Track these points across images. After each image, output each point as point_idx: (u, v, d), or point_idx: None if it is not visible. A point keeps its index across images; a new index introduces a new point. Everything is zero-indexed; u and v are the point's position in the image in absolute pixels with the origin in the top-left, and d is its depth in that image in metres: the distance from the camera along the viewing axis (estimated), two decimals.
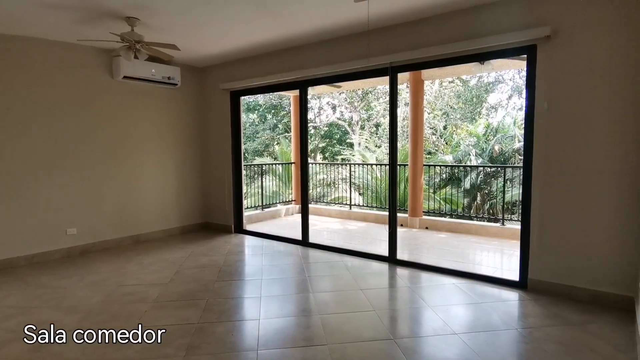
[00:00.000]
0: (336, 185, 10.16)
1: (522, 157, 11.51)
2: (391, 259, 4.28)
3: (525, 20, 3.26)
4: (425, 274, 3.91)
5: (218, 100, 5.84)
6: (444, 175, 10.52)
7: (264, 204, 7.36)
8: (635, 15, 2.83)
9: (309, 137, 5.25)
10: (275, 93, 15.11)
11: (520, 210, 5.41)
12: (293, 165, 7.99)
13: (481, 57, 3.64)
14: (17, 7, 3.38)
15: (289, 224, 6.87)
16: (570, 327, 2.70)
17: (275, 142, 15.86)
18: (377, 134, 15.72)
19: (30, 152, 4.29)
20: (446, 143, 15.16)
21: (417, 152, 6.30)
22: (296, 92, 7.55)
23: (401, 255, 4.41)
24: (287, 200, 8.07)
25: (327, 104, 17.08)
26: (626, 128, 2.91)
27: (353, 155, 14.66)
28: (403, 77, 6.33)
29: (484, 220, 6.61)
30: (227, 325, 2.80)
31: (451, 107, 14.29)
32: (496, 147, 12.14)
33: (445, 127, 15.26)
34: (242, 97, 5.80)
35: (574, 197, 3.14)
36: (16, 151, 4.19)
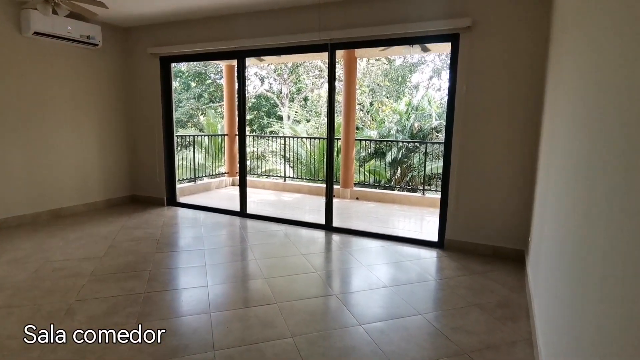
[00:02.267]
0: (266, 158, 10.23)
1: (438, 135, 12.64)
2: (327, 226, 4.59)
3: (450, 10, 3.62)
4: (357, 239, 4.28)
5: (146, 65, 5.48)
6: (370, 150, 11.23)
7: (196, 176, 7.19)
8: (533, 15, 3.32)
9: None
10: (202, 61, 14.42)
11: (440, 182, 6.07)
12: (226, 137, 7.85)
13: (411, 41, 3.97)
14: None
15: (223, 196, 6.84)
16: (476, 276, 3.24)
17: (200, 113, 15.22)
18: (306, 107, 15.90)
19: None
20: (372, 119, 15.94)
21: (350, 127, 6.63)
22: (231, 62, 7.38)
23: (336, 223, 4.74)
24: (218, 173, 7.95)
25: (254, 75, 16.73)
26: (520, 115, 3.46)
27: (282, 128, 14.74)
28: (338, 54, 6.53)
29: (405, 191, 7.27)
30: (175, 293, 2.86)
31: (378, 85, 14.94)
32: (416, 125, 13.12)
33: (371, 104, 15.98)
34: (174, 64, 5.53)
35: (482, 171, 3.68)
36: None
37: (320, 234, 4.46)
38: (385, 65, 14.88)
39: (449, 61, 3.78)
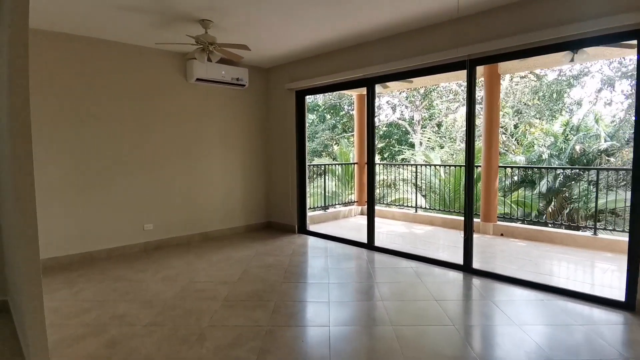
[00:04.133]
0: (397, 187, 9.85)
1: (610, 159, 10.33)
2: (466, 267, 3.96)
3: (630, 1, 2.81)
4: (504, 285, 3.55)
5: (283, 99, 5.86)
6: (515, 178, 9.79)
7: (326, 204, 7.30)
8: None
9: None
10: (335, 93, 15.14)
11: (619, 219, 4.77)
12: (355, 165, 7.84)
13: (575, 44, 3.21)
14: (94, 9, 3.50)
15: (351, 225, 6.73)
16: None
17: (334, 143, 15.82)
18: (439, 133, 15.06)
19: (110, 151, 4.59)
20: (518, 143, 14.11)
21: (492, 153, 5.83)
22: (361, 91, 7.43)
23: (476, 264, 4.07)
24: (348, 201, 7.93)
25: (386, 104, 16.74)
26: None
27: (414, 155, 14.20)
28: (478, 72, 5.91)
29: (564, 228, 5.97)
30: (297, 330, 2.73)
31: (524, 104, 13.22)
32: (577, 148, 11.04)
33: (516, 126, 14.21)
34: (307, 97, 5.77)
35: None
36: (99, 150, 4.49)
37: (457, 276, 3.87)
38: (534, 81, 13.12)
39: (629, 66, 2.91)
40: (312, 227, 6.01)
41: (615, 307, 3.04)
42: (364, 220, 7.13)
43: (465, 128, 3.86)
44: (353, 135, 16.21)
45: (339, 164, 9.06)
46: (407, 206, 8.35)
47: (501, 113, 13.88)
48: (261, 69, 6.01)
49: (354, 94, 7.66)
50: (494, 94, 5.80)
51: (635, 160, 2.90)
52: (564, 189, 9.96)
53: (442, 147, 14.05)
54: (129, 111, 4.69)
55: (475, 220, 6.15)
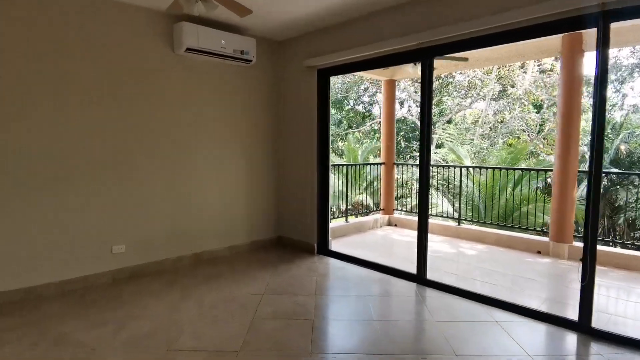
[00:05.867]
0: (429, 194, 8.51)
1: None
2: (583, 325, 2.64)
3: None
4: None
5: (301, 81, 4.53)
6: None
7: (347, 214, 5.99)
8: None
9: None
10: (342, 84, 13.80)
11: None
12: (382, 166, 6.51)
13: None
14: None
15: (380, 241, 5.43)
16: None
17: (339, 139, 14.56)
18: (458, 129, 13.71)
19: (63, 146, 3.27)
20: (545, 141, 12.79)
21: (570, 154, 4.49)
22: (392, 75, 6.09)
23: (608, 325, 2.76)
24: (373, 209, 6.60)
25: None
26: None
27: (436, 154, 12.91)
28: (552, 47, 4.58)
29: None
30: None
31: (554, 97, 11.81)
32: (622, 147, 9.70)
33: (542, 124, 12.88)
34: (333, 77, 4.45)
35: None
36: (43, 143, 3.17)
37: (568, 340, 2.55)
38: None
39: None
40: (334, 245, 4.69)
41: None
42: (395, 234, 5.85)
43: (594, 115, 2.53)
44: (360, 131, 15.02)
45: (358, 165, 7.71)
46: (441, 216, 7.03)
47: (525, 109, 12.60)
48: (273, 41, 4.67)
49: (382, 78, 6.31)
50: (575, 73, 4.44)
51: None
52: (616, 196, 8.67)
53: (463, 145, 12.68)
54: (85, 91, 3.36)
55: (539, 238, 4.91)
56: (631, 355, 2.35)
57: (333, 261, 4.27)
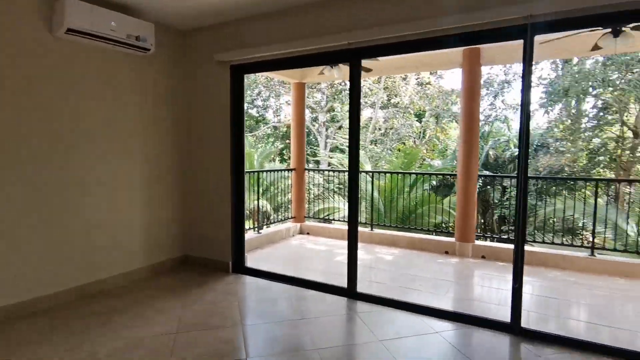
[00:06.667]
0: (324, 197, 8.53)
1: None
2: (515, 327, 2.73)
3: None
4: None
5: (212, 77, 3.97)
6: (434, 183, 9.38)
7: (259, 224, 5.55)
8: None
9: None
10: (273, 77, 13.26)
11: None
12: (293, 172, 6.23)
13: None
14: None
15: (298, 252, 5.14)
16: None
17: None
18: (343, 135, 14.23)
19: None
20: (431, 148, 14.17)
21: (471, 158, 4.85)
22: (302, 77, 5.86)
23: (530, 319, 2.89)
24: (283, 218, 6.27)
25: (286, 103, 15.60)
26: None
27: (331, 158, 13.23)
28: (454, 60, 4.89)
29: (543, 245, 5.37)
30: None
31: (444, 108, 13.20)
32: (491, 153, 11.22)
33: (424, 131, 14.29)
34: (248, 75, 4.01)
35: None
36: None
37: (500, 346, 2.61)
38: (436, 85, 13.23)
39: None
40: (250, 260, 4.22)
41: None
42: (309, 243, 5.61)
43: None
44: (253, 135, 14.65)
45: (272, 171, 7.28)
46: (345, 221, 7.02)
47: (405, 117, 13.77)
48: (177, 29, 4.02)
49: (291, 81, 6.05)
50: (475, 84, 4.81)
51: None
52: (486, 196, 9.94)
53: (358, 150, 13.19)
54: None
55: (447, 239, 5.20)
56: (564, 353, 2.48)
57: (252, 280, 3.81)
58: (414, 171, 7.93)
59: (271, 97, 15.38)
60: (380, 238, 5.57)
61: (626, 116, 9.26)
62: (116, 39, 3.24)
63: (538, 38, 2.60)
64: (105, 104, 3.43)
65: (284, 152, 16.08)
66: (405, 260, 4.77)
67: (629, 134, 9.50)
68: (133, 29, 3.36)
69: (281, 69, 4.01)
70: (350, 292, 3.39)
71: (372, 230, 5.77)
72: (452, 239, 5.02)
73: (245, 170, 4.13)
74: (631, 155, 9.28)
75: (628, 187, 7.69)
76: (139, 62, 3.67)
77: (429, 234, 5.68)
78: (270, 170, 6.84)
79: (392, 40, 3.00)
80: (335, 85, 13.47)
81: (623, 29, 3.15)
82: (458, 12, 2.70)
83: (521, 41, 2.61)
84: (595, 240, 4.57)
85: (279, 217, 6.30)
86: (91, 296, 3.29)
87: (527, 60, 2.55)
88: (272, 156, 13.53)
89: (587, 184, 7.49)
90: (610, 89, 8.60)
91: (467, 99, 4.80)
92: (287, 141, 15.85)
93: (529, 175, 2.63)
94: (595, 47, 3.37)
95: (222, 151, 3.96)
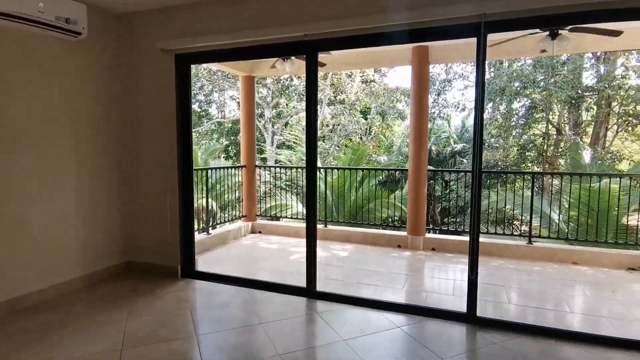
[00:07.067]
0: (272, 194, 8.37)
1: (464, 160, 11.19)
2: (471, 316, 2.82)
3: None
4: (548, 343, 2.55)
5: (155, 67, 3.66)
6: (380, 179, 9.64)
7: (209, 225, 5.27)
8: None
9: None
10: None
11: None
12: (243, 169, 6.00)
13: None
14: None
15: (251, 253, 4.97)
16: None
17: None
18: (298, 130, 14.18)
19: None
20: (377, 145, 14.50)
21: (421, 154, 4.98)
22: (252, 70, 5.64)
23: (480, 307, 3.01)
24: (233, 217, 6.01)
25: (231, 98, 15.21)
26: None
27: (279, 155, 13.09)
28: (404, 57, 4.98)
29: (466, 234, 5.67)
30: None
31: (389, 106, 13.56)
32: (433, 148, 11.73)
33: (370, 127, 14.61)
34: (195, 65, 3.76)
35: None
36: None
37: (456, 331, 2.69)
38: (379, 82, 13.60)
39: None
40: (201, 264, 3.98)
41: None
42: (262, 242, 5.43)
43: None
44: (195, 131, 14.05)
45: (223, 168, 6.93)
46: (297, 218, 6.95)
47: (351, 113, 13.98)
48: (113, 12, 3.63)
49: (240, 74, 5.80)
50: (423, 81, 4.92)
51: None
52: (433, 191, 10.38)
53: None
54: None
55: (398, 233, 5.31)
56: (517, 338, 2.60)
57: (204, 284, 3.59)
58: (366, 167, 8.03)
59: (214, 92, 14.83)
60: (334, 234, 5.55)
61: (551, 115, 10.16)
62: (44, 21, 2.84)
63: (491, 37, 2.68)
64: (33, 95, 3.01)
65: (230, 148, 15.63)
66: (361, 255, 4.79)
67: (553, 131, 10.45)
68: (63, 11, 2.98)
69: (232, 59, 3.83)
70: (309, 291, 3.31)
71: (326, 226, 5.75)
72: (404, 233, 5.14)
73: (194, 168, 3.88)
74: (555, 150, 10.20)
75: (551, 179, 8.44)
76: (70, 48, 3.27)
77: (382, 229, 5.77)
78: (220, 168, 6.52)
79: (349, 34, 2.95)
80: (281, 81, 13.24)
81: (560, 31, 3.37)
82: (416, 8, 2.71)
83: (469, 40, 2.69)
84: (530, 229, 4.91)
85: (228, 216, 6.02)
86: (21, 311, 2.89)
87: (481, 59, 2.62)
88: (217, 153, 13.05)
89: (517, 177, 8.13)
90: (538, 89, 9.34)
91: (416, 96, 4.91)
92: (233, 138, 15.40)
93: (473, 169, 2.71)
94: (538, 49, 3.58)
95: (168, 147, 3.67)
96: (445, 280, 3.97)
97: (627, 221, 5.31)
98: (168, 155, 3.67)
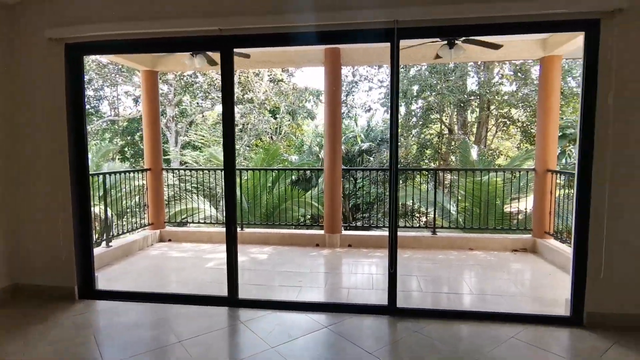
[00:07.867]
0: (178, 198, 7.86)
1: (370, 158, 11.84)
2: (392, 308, 2.96)
3: None
4: (445, 325, 2.78)
5: (40, 58, 3.11)
6: (292, 179, 9.75)
7: (108, 236, 4.68)
8: None
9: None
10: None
11: (563, 222, 4.78)
12: (148, 173, 5.48)
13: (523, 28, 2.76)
14: None
15: (161, 264, 4.56)
16: None
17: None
18: (204, 129, 13.51)
19: None
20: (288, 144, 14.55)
21: (336, 153, 5.11)
22: (154, 65, 5.16)
23: (400, 298, 3.16)
24: (138, 226, 5.46)
25: (126, 95, 13.95)
26: None
27: (184, 156, 12.39)
28: (316, 57, 5.03)
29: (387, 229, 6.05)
30: None
31: (298, 105, 13.67)
32: (342, 147, 12.18)
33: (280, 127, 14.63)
34: (88, 57, 3.28)
35: None
36: None
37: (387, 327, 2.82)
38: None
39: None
40: (102, 281, 3.52)
41: (560, 324, 2.78)
42: (172, 251, 5.02)
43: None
44: None
45: (120, 172, 6.19)
46: (220, 223, 6.62)
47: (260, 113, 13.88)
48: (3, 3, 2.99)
49: (141, 68, 5.27)
50: (335, 84, 5.06)
51: (583, 166, 2.69)
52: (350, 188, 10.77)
53: (207, 146, 12.52)
54: None
55: (315, 232, 5.37)
56: (434, 324, 2.79)
57: (108, 305, 3.17)
58: (282, 167, 7.96)
59: (105, 87, 13.36)
60: (251, 237, 5.40)
61: (444, 116, 11.32)
62: None
63: (403, 42, 2.84)
64: None
65: (126, 150, 14.24)
66: (280, 257, 4.73)
67: (446, 130, 11.65)
68: None
69: (133, 52, 3.46)
70: (231, 300, 3.14)
71: (242, 229, 5.56)
72: (322, 232, 5.21)
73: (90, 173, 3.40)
74: (448, 147, 11.38)
75: (450, 174, 9.41)
76: None
77: (299, 229, 5.78)
78: (121, 172, 5.86)
79: (267, 31, 2.86)
80: (184, 77, 12.40)
81: (456, 42, 3.73)
82: (333, 10, 2.74)
83: (380, 45, 2.82)
84: (435, 221, 5.39)
85: (131, 225, 5.44)
86: None
87: (395, 62, 2.76)
88: (111, 154, 11.78)
89: (417, 173, 8.90)
90: (434, 93, 10.32)
91: (330, 97, 5.02)
92: (129, 138, 14.05)
93: (383, 167, 2.86)
94: (437, 56, 3.92)
95: (58, 149, 3.15)
96: (363, 275, 4.12)
97: (510, 209, 6.15)
98: (58, 159, 3.16)
